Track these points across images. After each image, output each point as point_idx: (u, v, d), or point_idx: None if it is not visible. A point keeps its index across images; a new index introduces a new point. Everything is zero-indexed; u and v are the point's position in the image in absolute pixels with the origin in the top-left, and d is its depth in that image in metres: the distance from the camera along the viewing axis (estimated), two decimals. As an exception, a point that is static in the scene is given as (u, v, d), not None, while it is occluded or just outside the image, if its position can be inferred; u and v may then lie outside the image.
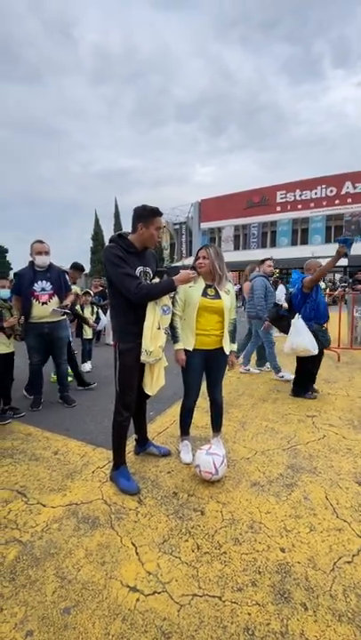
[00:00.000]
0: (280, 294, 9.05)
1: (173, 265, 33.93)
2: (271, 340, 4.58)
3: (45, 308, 3.31)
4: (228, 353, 2.30)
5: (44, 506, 1.95)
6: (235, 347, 2.37)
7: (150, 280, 2.05)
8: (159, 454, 2.49)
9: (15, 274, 3.42)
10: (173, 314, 2.26)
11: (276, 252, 28.01)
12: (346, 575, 1.46)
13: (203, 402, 2.72)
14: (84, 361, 5.08)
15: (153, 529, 1.75)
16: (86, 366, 5.07)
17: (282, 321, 3.83)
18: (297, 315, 3.54)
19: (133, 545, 1.65)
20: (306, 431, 2.88)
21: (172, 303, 2.27)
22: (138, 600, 1.36)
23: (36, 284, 3.27)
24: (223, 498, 2.00)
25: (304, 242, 27.87)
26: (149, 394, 2.19)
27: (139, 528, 1.76)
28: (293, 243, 28.50)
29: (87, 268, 34.23)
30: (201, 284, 2.22)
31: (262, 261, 4.76)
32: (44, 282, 3.31)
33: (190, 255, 34.15)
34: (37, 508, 1.94)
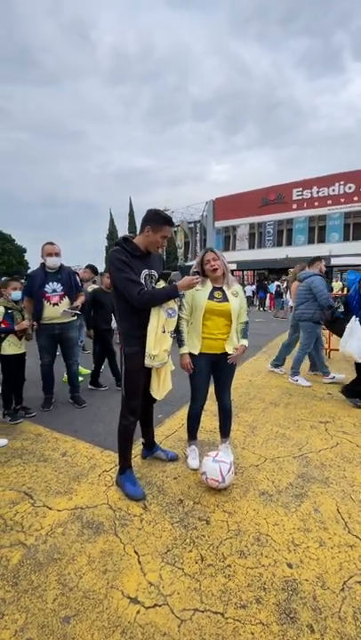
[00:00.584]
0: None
1: (187, 264, 33.89)
2: (310, 343, 4.27)
3: (56, 309, 3.34)
4: (231, 352, 2.22)
5: (50, 509, 1.96)
6: (246, 342, 2.29)
7: (155, 283, 2.02)
8: (167, 459, 2.46)
9: (26, 275, 3.46)
10: (180, 317, 2.22)
11: (292, 251, 27.52)
12: (356, 596, 1.39)
13: (212, 405, 2.67)
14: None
15: (157, 537, 1.73)
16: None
17: (337, 323, 3.64)
18: (353, 317, 3.36)
19: (136, 553, 1.62)
20: (318, 438, 2.79)
21: (180, 307, 2.23)
22: (138, 612, 1.33)
23: (47, 286, 3.30)
24: (230, 507, 1.95)
25: (321, 240, 27.23)
26: (157, 398, 2.16)
27: (142, 536, 1.74)
28: (310, 241, 27.89)
29: (102, 267, 34.62)
30: (208, 287, 2.17)
31: (313, 261, 4.43)
32: (55, 283, 3.34)
33: (204, 254, 33.91)
34: (43, 510, 1.94)
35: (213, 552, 1.63)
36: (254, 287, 16.23)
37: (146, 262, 2.03)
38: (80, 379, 4.44)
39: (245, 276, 30.59)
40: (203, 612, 1.33)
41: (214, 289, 2.17)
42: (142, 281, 1.96)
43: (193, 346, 2.21)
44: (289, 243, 29.24)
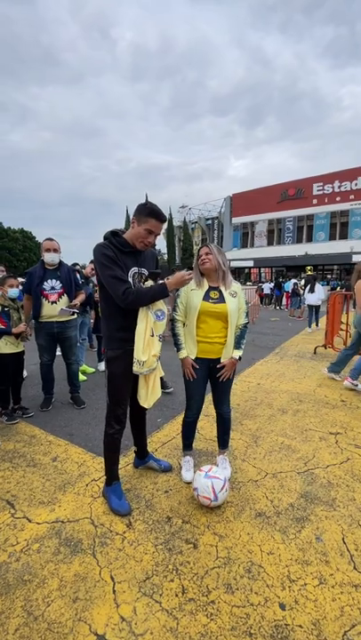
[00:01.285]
0: (318, 294, 8.46)
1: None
2: None
3: (55, 307, 3.24)
4: (226, 359, 2.03)
5: (30, 521, 1.84)
6: (240, 353, 2.07)
7: (143, 283, 1.85)
8: (160, 469, 2.30)
9: (25, 272, 3.38)
10: (175, 319, 2.05)
11: (311, 248, 26.69)
12: (359, 652, 1.18)
13: (214, 410, 2.48)
14: (100, 359, 5.02)
15: (137, 561, 1.57)
16: (102, 365, 4.99)
17: None
18: None
19: (112, 579, 1.48)
20: (327, 452, 2.55)
21: (174, 307, 2.06)
22: (104, 654, 1.19)
23: (45, 283, 3.21)
24: (221, 529, 1.77)
25: (343, 236, 26.25)
26: (145, 407, 2.00)
27: (122, 558, 1.59)
28: (331, 237, 26.95)
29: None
30: (204, 286, 1.98)
31: None
32: (54, 280, 3.24)
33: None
34: (22, 522, 1.83)
35: (197, 583, 1.46)
36: (272, 285, 15.76)
37: (136, 259, 1.87)
38: (83, 378, 4.36)
39: (263, 274, 29.97)
40: (176, 659, 1.17)
41: (210, 289, 1.98)
42: (130, 279, 1.81)
43: (189, 350, 2.03)
44: (309, 239, 28.39)
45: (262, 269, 30.10)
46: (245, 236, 33.42)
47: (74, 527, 1.80)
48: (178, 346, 2.08)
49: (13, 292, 3.11)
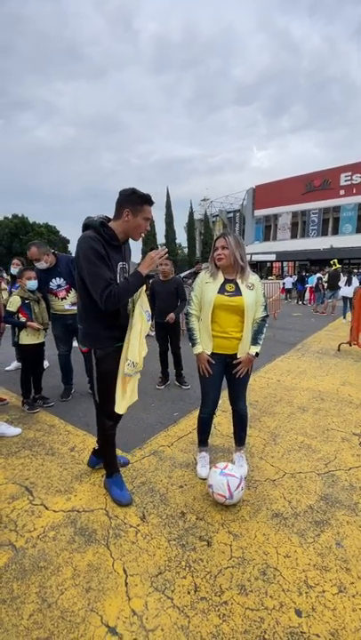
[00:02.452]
0: (355, 287, 8.16)
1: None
2: None
3: (65, 302, 3.32)
4: (243, 355, 1.96)
5: (47, 508, 1.88)
6: (257, 349, 1.99)
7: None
8: (120, 464, 2.18)
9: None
10: (190, 314, 2.00)
11: (337, 241, 25.67)
12: (380, 668, 1.11)
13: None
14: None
15: (150, 555, 1.56)
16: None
17: None
18: None
19: (125, 572, 1.48)
20: (350, 453, 2.44)
21: (188, 301, 2.01)
22: (114, 646, 1.18)
23: (51, 282, 3.27)
24: (236, 528, 1.73)
25: (372, 229, 25.05)
26: (119, 412, 1.85)
27: (135, 551, 1.58)
28: (359, 230, 25.77)
29: (138, 259, 35.05)
30: (220, 279, 1.91)
31: None
32: (58, 278, 3.28)
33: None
34: (39, 510, 1.87)
35: (210, 582, 1.43)
36: (294, 279, 15.32)
37: (121, 253, 1.78)
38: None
39: (286, 268, 29.20)
40: (187, 658, 1.15)
41: (226, 281, 1.91)
42: (117, 274, 1.72)
43: (204, 345, 1.98)
44: (335, 232, 27.30)
45: (285, 263, 29.32)
46: (268, 229, 32.60)
47: (89, 517, 1.81)
48: (193, 341, 2.03)
49: (32, 283, 3.15)
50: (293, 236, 30.38)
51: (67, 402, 3.48)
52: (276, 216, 31.32)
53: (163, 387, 3.88)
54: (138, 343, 1.76)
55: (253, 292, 1.91)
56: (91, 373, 1.87)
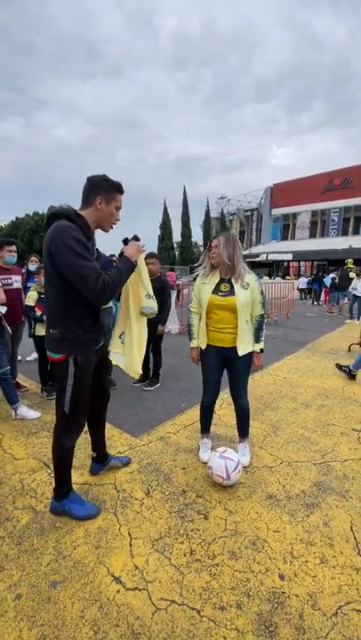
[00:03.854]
0: None
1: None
2: None
3: None
4: (244, 354, 2.09)
5: (63, 481, 2.10)
6: (260, 345, 2.14)
7: None
8: (122, 464, 2.24)
9: None
10: (191, 311, 2.17)
11: (358, 241, 25.06)
12: (350, 625, 1.26)
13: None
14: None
15: (152, 523, 1.75)
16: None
17: None
18: None
19: (129, 535, 1.67)
20: (347, 447, 2.55)
21: (190, 300, 2.18)
22: (118, 592, 1.38)
23: None
24: (232, 505, 1.89)
25: (394, 228, 24.34)
26: (140, 372, 1.95)
27: (139, 520, 1.78)
28: (380, 230, 25.10)
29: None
30: (215, 278, 2.06)
31: None
32: None
33: (259, 243, 32.65)
34: (56, 481, 2.09)
35: (204, 548, 1.60)
36: (308, 279, 15.17)
37: (93, 246, 1.66)
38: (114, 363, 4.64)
39: (303, 267, 28.77)
40: (180, 604, 1.33)
41: (221, 281, 2.06)
42: None
43: (201, 339, 2.15)
44: (356, 231, 26.66)
45: (302, 263, 28.90)
46: (286, 228, 32.18)
47: (99, 490, 2.02)
48: (190, 335, 2.23)
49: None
50: (312, 235, 29.88)
51: (82, 390, 3.72)
52: (294, 215, 30.88)
53: (139, 384, 3.87)
54: (139, 351, 1.88)
55: (248, 290, 2.02)
56: (61, 382, 1.67)
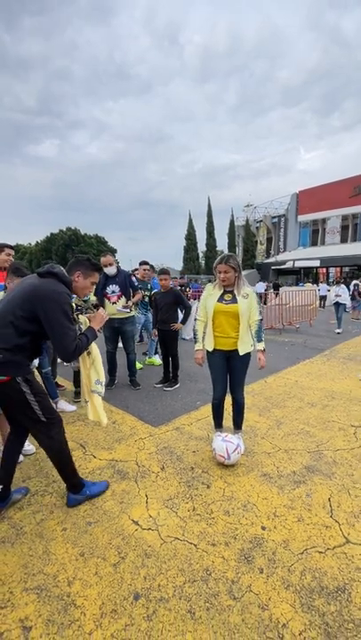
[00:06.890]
0: None
1: (265, 261, 32.79)
2: None
3: (115, 306, 4.10)
4: (244, 354, 2.50)
5: (95, 457, 2.61)
6: (262, 344, 2.52)
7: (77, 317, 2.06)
8: (23, 495, 2.16)
9: None
10: (196, 320, 2.62)
11: (389, 245, 24.20)
12: (312, 560, 1.62)
13: (247, 397, 2.93)
14: (155, 352, 5.78)
15: (165, 489, 2.20)
16: (157, 359, 5.71)
17: None
18: None
19: (146, 496, 2.13)
20: (342, 439, 2.85)
21: (197, 310, 2.63)
22: (136, 530, 1.83)
23: (107, 288, 4.09)
24: (231, 479, 2.29)
25: None
26: (105, 422, 2.29)
27: (154, 486, 2.23)
28: None
29: (181, 266, 36.14)
30: (219, 290, 2.50)
31: None
32: (114, 285, 4.09)
33: (286, 250, 32.39)
34: (89, 458, 2.61)
35: (205, 507, 2.02)
36: (329, 287, 15.01)
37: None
38: (140, 366, 5.17)
39: (333, 274, 28.13)
40: (181, 540, 1.76)
41: (225, 292, 2.49)
42: None
43: (208, 343, 2.58)
44: (388, 235, 25.77)
45: (330, 269, 28.30)
46: (315, 234, 31.74)
47: (124, 464, 2.50)
48: (195, 339, 2.66)
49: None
50: (343, 240, 29.25)
51: (111, 389, 4.26)
52: (324, 220, 30.44)
53: (160, 385, 4.37)
54: (99, 363, 2.25)
55: (247, 300, 2.45)
56: (24, 401, 1.78)
